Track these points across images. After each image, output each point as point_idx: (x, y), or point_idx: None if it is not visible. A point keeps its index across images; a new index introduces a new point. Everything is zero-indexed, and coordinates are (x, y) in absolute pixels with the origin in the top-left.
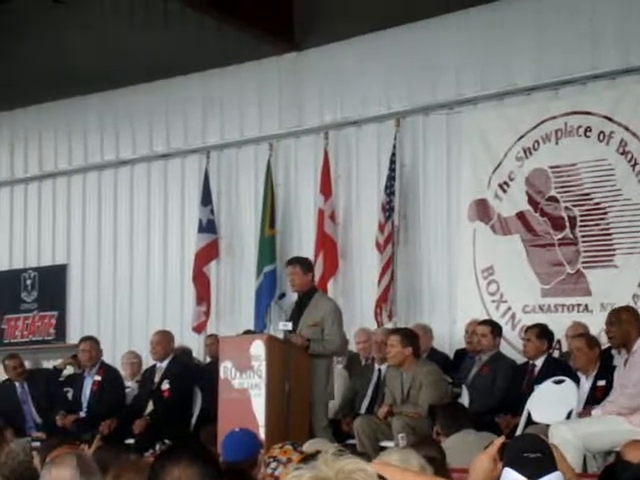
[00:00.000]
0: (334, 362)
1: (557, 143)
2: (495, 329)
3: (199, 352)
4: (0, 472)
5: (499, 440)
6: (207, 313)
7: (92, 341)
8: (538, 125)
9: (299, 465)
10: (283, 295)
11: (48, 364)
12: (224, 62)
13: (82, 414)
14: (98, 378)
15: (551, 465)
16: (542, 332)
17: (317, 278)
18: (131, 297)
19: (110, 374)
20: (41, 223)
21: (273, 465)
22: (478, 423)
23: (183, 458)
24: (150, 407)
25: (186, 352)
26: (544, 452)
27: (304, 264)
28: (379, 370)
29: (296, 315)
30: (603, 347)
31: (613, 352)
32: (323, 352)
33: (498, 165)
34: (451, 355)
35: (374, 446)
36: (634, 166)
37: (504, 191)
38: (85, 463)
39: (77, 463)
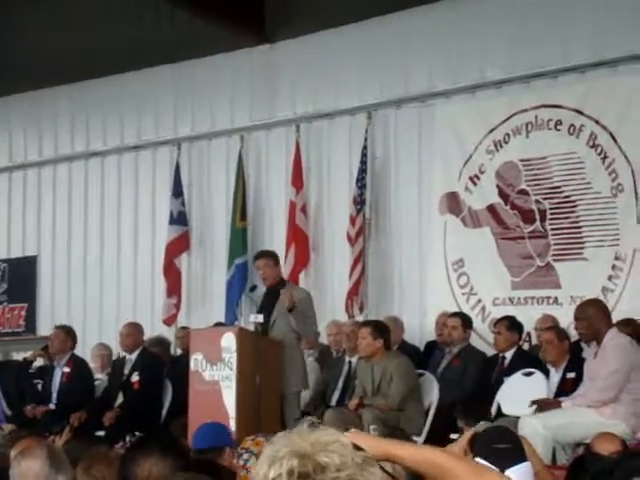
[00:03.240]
0: (305, 355)
1: (527, 136)
2: (465, 321)
3: (170, 344)
4: None
5: (469, 432)
6: (178, 305)
7: (63, 330)
8: (509, 118)
9: (274, 440)
10: (254, 287)
11: (18, 356)
12: (196, 54)
13: (52, 406)
14: (67, 370)
15: (521, 455)
16: (512, 324)
17: (288, 270)
18: (101, 289)
19: (79, 366)
20: (11, 215)
21: (245, 456)
22: (447, 415)
23: (154, 451)
24: (120, 399)
25: (163, 342)
26: (513, 443)
27: (273, 257)
28: (349, 362)
29: (268, 308)
30: (572, 340)
31: (582, 344)
32: (303, 325)
33: (469, 158)
34: (421, 347)
35: None
36: (604, 159)
37: (475, 184)
38: (55, 454)
39: (47, 454)
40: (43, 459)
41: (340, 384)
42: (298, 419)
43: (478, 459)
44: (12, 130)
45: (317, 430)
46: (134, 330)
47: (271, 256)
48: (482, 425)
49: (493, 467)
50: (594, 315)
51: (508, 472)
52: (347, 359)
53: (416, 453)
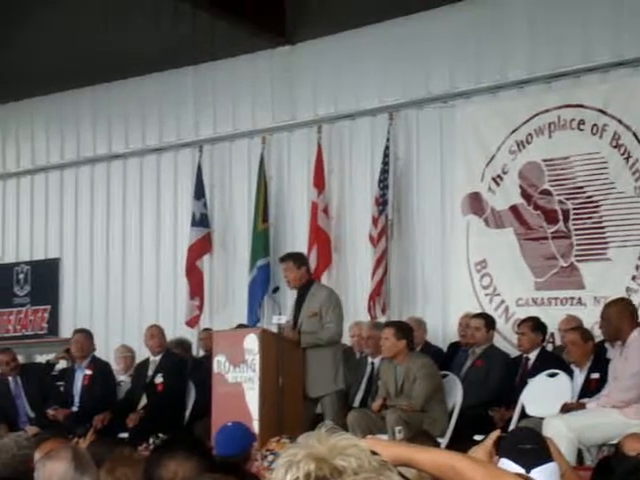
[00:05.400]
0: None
1: (550, 136)
2: (489, 322)
3: (193, 346)
4: None
5: (494, 433)
6: (200, 307)
7: (84, 333)
8: (531, 118)
9: (293, 445)
10: (277, 289)
11: (41, 358)
12: (217, 56)
13: (74, 408)
14: (89, 372)
15: (546, 456)
16: (536, 325)
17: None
18: (124, 291)
19: (100, 368)
20: (33, 217)
21: (270, 458)
22: (471, 417)
23: (179, 452)
24: (144, 401)
25: (184, 344)
26: (539, 444)
27: (296, 259)
28: (372, 363)
29: (297, 309)
30: (597, 340)
31: (607, 345)
32: (317, 343)
33: (491, 158)
34: (445, 348)
35: None
36: (627, 159)
37: (497, 184)
38: (80, 457)
39: (72, 456)
40: (68, 461)
41: (363, 385)
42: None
43: (504, 460)
44: (35, 132)
45: (335, 435)
46: (157, 332)
47: (293, 258)
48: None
49: (519, 468)
50: (616, 314)
51: (534, 472)
52: (370, 360)
53: (435, 458)
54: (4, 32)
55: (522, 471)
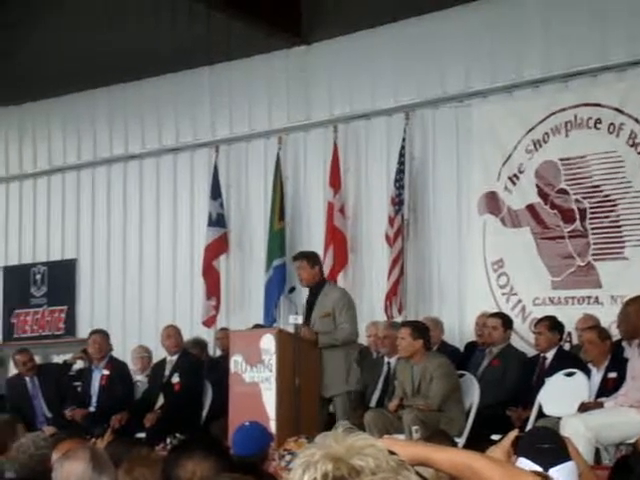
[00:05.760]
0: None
1: (567, 135)
2: (506, 322)
3: (210, 346)
4: (11, 466)
5: (512, 433)
6: (217, 307)
7: (102, 334)
8: (548, 117)
9: (310, 445)
10: (293, 289)
11: (58, 359)
12: (233, 56)
13: (91, 408)
14: (106, 372)
15: (565, 455)
16: (553, 324)
17: (326, 272)
18: (141, 291)
19: (118, 368)
20: (50, 218)
21: (287, 458)
22: (488, 416)
23: (197, 452)
24: (161, 401)
25: (200, 344)
26: (557, 443)
27: (310, 258)
28: (388, 363)
29: (308, 309)
30: (614, 339)
31: (624, 344)
32: (333, 343)
33: (508, 158)
34: (461, 348)
35: None
36: None
37: (514, 184)
38: (98, 457)
39: (90, 456)
40: (86, 461)
41: (380, 385)
42: (346, 420)
43: (522, 459)
44: (51, 133)
45: (352, 435)
46: (174, 332)
47: (307, 257)
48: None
49: (537, 467)
50: (635, 313)
51: (552, 471)
52: (386, 360)
53: (452, 457)
54: (21, 33)
55: (540, 470)
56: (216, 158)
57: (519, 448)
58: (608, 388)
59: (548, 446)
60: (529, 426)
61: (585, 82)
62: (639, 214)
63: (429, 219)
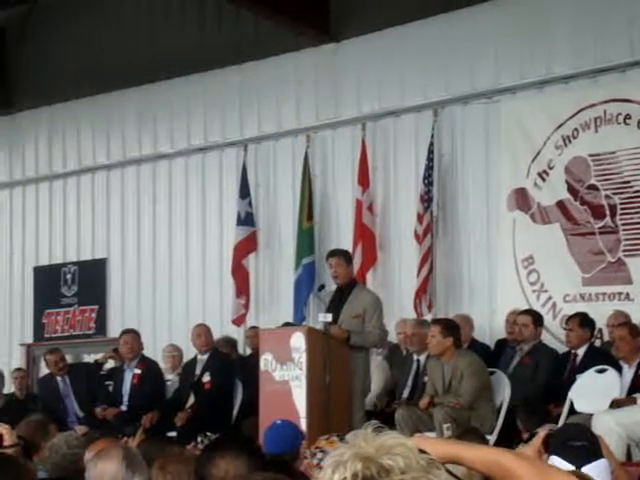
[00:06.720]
0: (372, 355)
1: (596, 131)
2: (536, 319)
3: (239, 344)
4: (43, 466)
5: (543, 432)
6: (246, 306)
7: (133, 334)
8: (577, 113)
9: (340, 445)
10: (322, 287)
11: (89, 358)
12: (261, 54)
13: (123, 407)
14: (138, 371)
15: (597, 453)
16: (584, 321)
17: (356, 270)
18: (171, 290)
19: (150, 367)
20: (80, 218)
21: (319, 456)
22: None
23: (229, 450)
24: (191, 400)
25: (230, 342)
26: (589, 441)
27: (346, 256)
28: (418, 360)
29: (336, 307)
30: None
31: None
32: (363, 344)
33: (537, 154)
34: (492, 345)
35: None
36: None
37: (543, 180)
38: (131, 456)
39: (123, 456)
40: (119, 460)
41: (410, 382)
42: (362, 418)
43: (553, 457)
44: (81, 134)
45: (382, 434)
46: (204, 331)
47: (344, 255)
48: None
49: (569, 465)
50: None
51: (584, 469)
52: (415, 357)
53: (483, 455)
54: (50, 34)
55: (572, 468)
56: (245, 157)
57: (550, 446)
58: None
59: (580, 444)
60: (561, 423)
61: (614, 78)
62: None
63: (458, 216)
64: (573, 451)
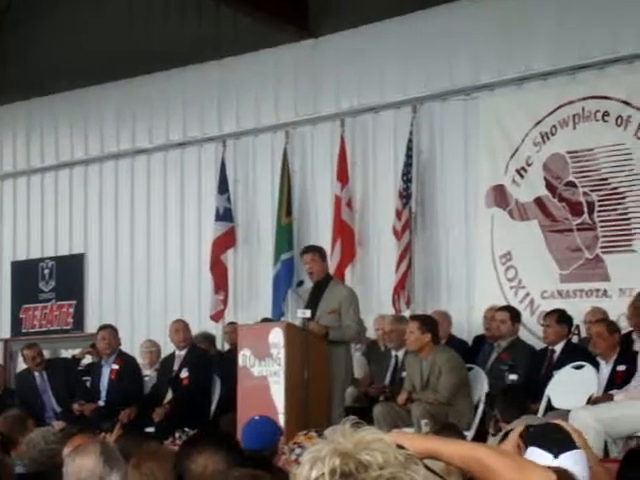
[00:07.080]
0: (352, 349)
1: (575, 128)
2: (514, 315)
3: (218, 340)
4: (21, 461)
5: (519, 427)
6: (225, 301)
7: (110, 329)
8: (555, 110)
9: (318, 440)
10: (301, 283)
11: (67, 353)
12: (240, 50)
13: (101, 403)
14: (116, 367)
15: (574, 443)
16: (561, 317)
17: (334, 265)
18: (149, 286)
19: (128, 363)
20: (58, 213)
21: (297, 451)
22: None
23: (208, 446)
24: (169, 395)
25: (208, 338)
26: (566, 434)
27: (321, 252)
28: (396, 356)
29: (313, 303)
30: (623, 332)
31: (633, 336)
32: (342, 339)
33: (515, 151)
34: (470, 341)
35: None
36: None
37: (522, 177)
38: (109, 451)
39: (101, 451)
40: (97, 456)
41: (388, 378)
42: (341, 414)
43: (532, 448)
44: (59, 128)
45: (360, 429)
46: (182, 327)
47: (318, 251)
48: (525, 419)
49: (547, 453)
50: None
51: (562, 457)
52: (393, 353)
53: (461, 450)
54: (28, 28)
55: (550, 456)
56: (223, 152)
57: (528, 438)
58: (617, 381)
59: (557, 436)
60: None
61: (593, 75)
62: None
63: (437, 212)
64: (551, 441)
